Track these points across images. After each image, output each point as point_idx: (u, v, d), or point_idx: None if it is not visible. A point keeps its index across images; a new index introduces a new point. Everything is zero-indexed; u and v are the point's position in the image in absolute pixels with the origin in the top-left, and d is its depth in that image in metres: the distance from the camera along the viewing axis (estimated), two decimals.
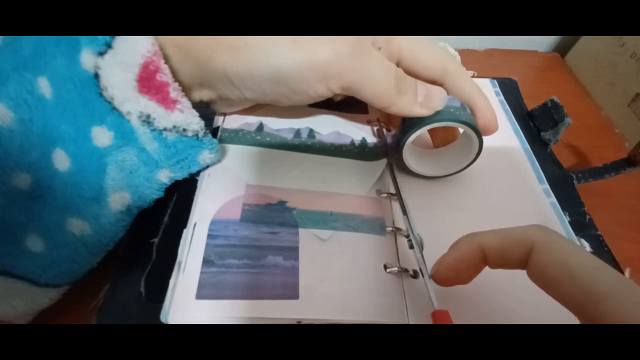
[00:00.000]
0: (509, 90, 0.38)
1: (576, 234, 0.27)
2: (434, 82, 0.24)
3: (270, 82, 0.21)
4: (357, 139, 0.28)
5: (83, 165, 0.20)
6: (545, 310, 0.18)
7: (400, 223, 0.24)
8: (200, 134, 0.21)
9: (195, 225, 0.21)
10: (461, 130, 0.25)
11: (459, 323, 0.19)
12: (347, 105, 0.28)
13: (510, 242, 0.17)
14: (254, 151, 0.25)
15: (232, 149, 0.25)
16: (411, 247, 0.22)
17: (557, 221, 0.27)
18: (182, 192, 0.24)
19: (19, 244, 0.18)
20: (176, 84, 0.20)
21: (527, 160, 0.31)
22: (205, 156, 0.22)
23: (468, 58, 0.43)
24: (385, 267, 0.22)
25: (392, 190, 0.25)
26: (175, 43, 0.20)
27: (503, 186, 0.29)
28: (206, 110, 0.23)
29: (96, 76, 0.19)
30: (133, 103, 0.19)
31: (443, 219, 0.26)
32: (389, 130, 0.29)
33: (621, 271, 0.27)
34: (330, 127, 0.28)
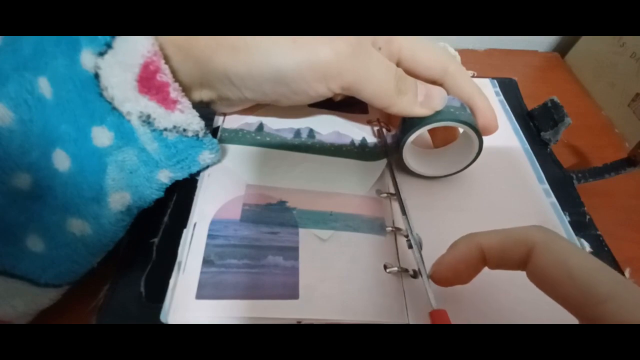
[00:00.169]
0: (509, 90, 0.38)
1: (576, 234, 0.27)
2: (434, 82, 0.24)
3: (271, 82, 0.21)
4: (357, 139, 0.28)
5: (83, 165, 0.20)
6: (544, 310, 0.18)
7: (400, 223, 0.24)
8: (201, 134, 0.21)
9: (195, 225, 0.21)
10: (461, 130, 0.25)
11: (457, 323, 0.19)
12: (347, 105, 0.28)
13: (510, 243, 0.17)
14: (254, 151, 0.25)
15: (232, 149, 0.25)
16: (410, 247, 0.22)
17: (557, 221, 0.27)
18: (182, 192, 0.24)
19: (19, 244, 0.18)
20: (176, 84, 0.20)
21: (527, 160, 0.31)
22: (206, 156, 0.22)
23: (468, 58, 0.43)
24: (385, 267, 0.22)
25: (392, 190, 0.25)
26: (175, 43, 0.20)
27: (503, 186, 0.29)
28: (206, 110, 0.23)
29: (96, 76, 0.19)
30: (133, 103, 0.19)
31: (443, 219, 0.26)
32: (389, 130, 0.29)
33: (621, 271, 0.27)
34: (330, 127, 0.28)
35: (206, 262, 0.20)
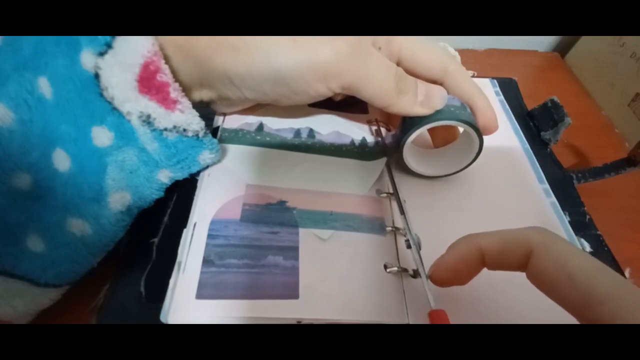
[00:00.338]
0: (509, 90, 0.38)
1: (576, 234, 0.27)
2: (434, 82, 0.24)
3: (271, 82, 0.21)
4: (357, 138, 0.28)
5: (83, 165, 0.20)
6: (542, 310, 0.18)
7: (400, 223, 0.24)
8: (201, 134, 0.21)
9: (195, 225, 0.21)
10: (461, 130, 0.25)
11: (457, 323, 0.19)
12: (347, 105, 0.28)
13: (510, 244, 0.17)
14: (254, 151, 0.25)
15: (232, 149, 0.25)
16: (409, 246, 0.22)
17: (557, 221, 0.27)
18: (182, 192, 0.24)
19: (19, 244, 0.18)
20: (176, 84, 0.20)
21: (527, 160, 0.31)
22: (206, 156, 0.22)
23: (468, 58, 0.43)
24: (385, 266, 0.22)
25: (392, 190, 0.25)
26: (175, 43, 0.20)
27: (503, 186, 0.29)
28: (206, 110, 0.23)
29: (96, 76, 0.19)
30: (133, 103, 0.19)
31: (443, 219, 0.26)
32: (389, 130, 0.29)
33: (621, 271, 0.27)
34: (330, 127, 0.28)
35: (206, 262, 0.20)
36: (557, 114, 0.33)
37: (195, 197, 0.23)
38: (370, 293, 0.21)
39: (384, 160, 0.27)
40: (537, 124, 0.35)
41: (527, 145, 0.32)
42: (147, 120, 0.20)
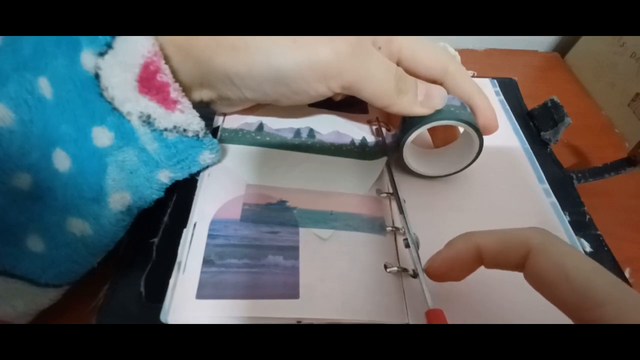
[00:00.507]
0: (509, 90, 0.38)
1: (576, 234, 0.27)
2: (434, 82, 0.24)
3: (271, 82, 0.21)
4: (357, 138, 0.28)
5: (83, 165, 0.20)
6: (540, 310, 0.17)
7: (400, 223, 0.24)
8: (201, 134, 0.21)
9: (195, 225, 0.21)
10: (461, 130, 0.25)
11: (454, 322, 0.19)
12: (347, 105, 0.28)
13: (508, 244, 0.17)
14: (254, 151, 0.25)
15: (232, 149, 0.25)
16: (407, 246, 0.22)
17: (557, 221, 0.27)
18: (182, 192, 0.24)
19: (19, 244, 0.18)
20: (176, 84, 0.20)
21: (527, 160, 0.31)
22: (206, 156, 0.22)
23: (468, 58, 0.43)
24: (385, 266, 0.22)
25: (392, 190, 0.25)
26: (175, 43, 0.20)
27: (503, 186, 0.29)
28: (206, 110, 0.23)
29: (96, 76, 0.19)
30: (133, 103, 0.19)
31: (443, 219, 0.26)
32: (389, 130, 0.29)
33: (621, 271, 0.27)
34: (330, 126, 0.28)
35: (206, 261, 0.20)
36: (557, 114, 0.33)
37: (195, 197, 0.23)
38: (370, 293, 0.21)
39: (384, 160, 0.27)
40: (537, 124, 0.35)
41: (527, 145, 0.32)
42: (147, 121, 0.20)
